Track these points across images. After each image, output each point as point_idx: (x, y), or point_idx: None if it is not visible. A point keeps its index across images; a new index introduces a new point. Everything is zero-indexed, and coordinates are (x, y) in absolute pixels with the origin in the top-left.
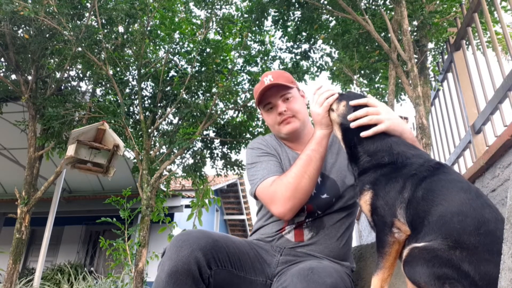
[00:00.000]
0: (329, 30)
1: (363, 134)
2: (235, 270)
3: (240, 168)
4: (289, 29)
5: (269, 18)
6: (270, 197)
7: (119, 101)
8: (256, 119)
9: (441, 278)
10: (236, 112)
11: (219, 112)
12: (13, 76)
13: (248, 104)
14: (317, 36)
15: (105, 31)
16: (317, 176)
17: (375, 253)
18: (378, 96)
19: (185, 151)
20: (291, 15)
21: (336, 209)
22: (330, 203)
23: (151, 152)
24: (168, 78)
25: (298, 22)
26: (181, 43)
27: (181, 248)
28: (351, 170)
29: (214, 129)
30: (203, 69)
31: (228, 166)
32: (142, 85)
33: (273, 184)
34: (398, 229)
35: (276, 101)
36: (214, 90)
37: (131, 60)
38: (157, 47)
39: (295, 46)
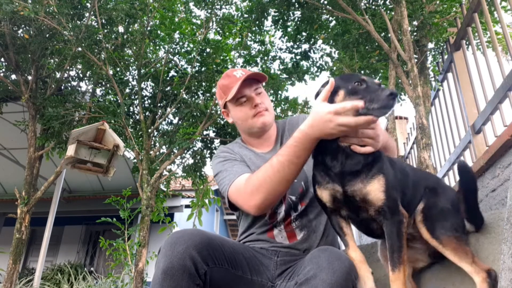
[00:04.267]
0: (329, 30)
1: (358, 150)
2: (232, 269)
3: None
4: (289, 29)
5: (269, 18)
6: (242, 194)
7: (119, 101)
8: None
9: None
10: None
11: (219, 112)
12: (13, 76)
13: None
14: (317, 36)
15: (105, 31)
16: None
17: (375, 253)
18: None
19: (185, 151)
20: (291, 15)
21: (312, 197)
22: (301, 188)
23: (151, 152)
24: (168, 78)
25: (298, 22)
26: (181, 43)
27: (176, 245)
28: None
29: (214, 129)
30: (203, 69)
31: None
32: (142, 85)
33: (247, 181)
34: (405, 218)
35: (251, 93)
36: (214, 90)
37: (131, 60)
38: (157, 47)
39: (295, 46)
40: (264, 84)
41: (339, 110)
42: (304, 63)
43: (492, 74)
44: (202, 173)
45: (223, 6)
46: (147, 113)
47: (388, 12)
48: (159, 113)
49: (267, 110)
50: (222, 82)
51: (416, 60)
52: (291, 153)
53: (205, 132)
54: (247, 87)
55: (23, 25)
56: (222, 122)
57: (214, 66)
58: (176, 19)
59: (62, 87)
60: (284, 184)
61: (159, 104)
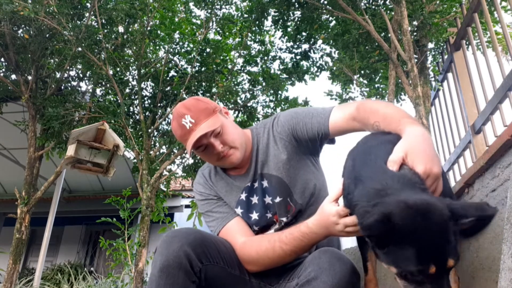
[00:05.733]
0: (329, 30)
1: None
2: (228, 267)
3: None
4: (289, 29)
5: (269, 18)
6: (238, 254)
7: (119, 101)
8: (256, 119)
9: None
10: (236, 112)
11: None
12: (13, 76)
13: (248, 104)
14: (317, 36)
15: (105, 31)
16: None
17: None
18: (378, 96)
19: (185, 151)
20: (291, 15)
21: (306, 212)
22: (286, 204)
23: (151, 152)
24: (168, 78)
25: (298, 22)
26: (181, 43)
27: (171, 244)
28: None
29: None
30: (203, 69)
31: None
32: (142, 85)
33: (244, 248)
34: None
35: (209, 140)
36: (214, 90)
37: (131, 60)
38: (157, 47)
39: (295, 46)
40: (222, 114)
41: (342, 212)
42: (304, 63)
43: (492, 74)
44: None
45: (223, 6)
46: (147, 113)
47: (388, 12)
48: (159, 113)
49: (232, 148)
50: (174, 129)
51: (416, 60)
52: (296, 245)
53: None
54: (203, 136)
55: (23, 25)
56: None
57: (214, 66)
58: (176, 19)
59: (62, 87)
60: (283, 263)
61: (159, 104)
